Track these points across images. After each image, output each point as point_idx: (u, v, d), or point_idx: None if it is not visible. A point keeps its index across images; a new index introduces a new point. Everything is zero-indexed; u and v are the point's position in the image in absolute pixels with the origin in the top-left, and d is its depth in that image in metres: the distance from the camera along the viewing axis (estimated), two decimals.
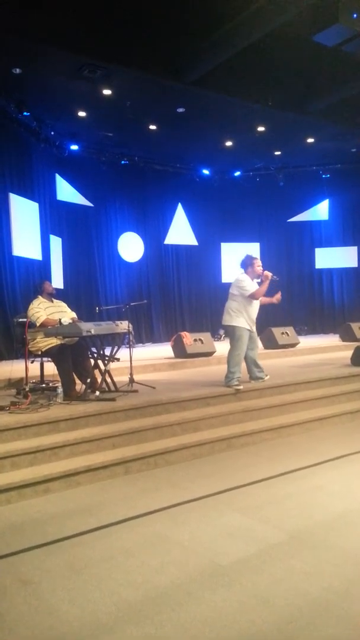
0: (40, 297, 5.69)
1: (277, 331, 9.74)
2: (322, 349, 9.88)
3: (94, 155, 11.17)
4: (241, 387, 5.67)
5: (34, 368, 5.52)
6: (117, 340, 5.81)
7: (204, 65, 7.67)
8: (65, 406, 4.81)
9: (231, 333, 5.81)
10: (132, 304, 6.87)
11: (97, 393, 5.19)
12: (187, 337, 8.54)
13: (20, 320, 5.52)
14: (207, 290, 13.31)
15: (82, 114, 9.28)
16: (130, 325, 5.74)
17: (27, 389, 5.04)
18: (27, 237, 9.18)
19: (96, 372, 5.46)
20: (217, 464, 4.48)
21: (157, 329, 12.35)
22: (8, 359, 7.45)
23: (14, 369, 5.83)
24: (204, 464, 4.50)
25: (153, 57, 7.55)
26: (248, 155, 11.99)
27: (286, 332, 9.91)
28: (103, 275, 11.54)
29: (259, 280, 5.88)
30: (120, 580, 2.61)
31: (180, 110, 9.21)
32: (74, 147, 10.68)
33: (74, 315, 5.79)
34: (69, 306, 5.98)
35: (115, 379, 5.61)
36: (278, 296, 6.01)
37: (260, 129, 10.29)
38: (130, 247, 12.12)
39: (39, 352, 5.42)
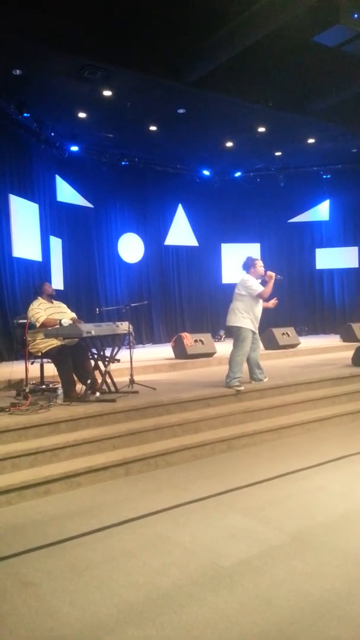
0: (40, 298, 5.69)
1: (277, 332, 9.74)
2: (322, 350, 9.87)
3: (94, 156, 11.17)
4: (242, 388, 5.67)
5: (34, 369, 5.52)
6: (117, 341, 5.80)
7: (204, 66, 7.67)
8: (66, 407, 4.81)
9: (236, 334, 5.82)
10: (132, 304, 6.87)
11: (98, 394, 5.19)
12: (188, 338, 8.54)
13: (20, 321, 5.52)
14: (208, 291, 13.30)
15: (82, 115, 9.28)
16: (130, 326, 5.73)
17: (27, 390, 5.03)
18: (27, 238, 9.17)
19: (96, 373, 5.46)
20: (218, 465, 4.47)
21: (157, 330, 12.34)
22: (8, 360, 7.44)
23: (14, 370, 5.83)
24: (205, 464, 4.50)
25: (153, 58, 7.54)
26: (248, 155, 11.98)
27: (287, 333, 9.91)
28: (103, 276, 11.53)
29: (260, 281, 5.91)
30: (121, 581, 2.60)
31: (181, 111, 9.21)
32: (74, 148, 10.67)
33: (73, 315, 5.79)
34: (69, 307, 5.98)
35: (115, 380, 5.60)
36: (274, 301, 6.04)
37: (261, 129, 10.29)
38: (131, 248, 12.11)
39: (39, 354, 5.41)
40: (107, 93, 8.35)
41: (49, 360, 5.45)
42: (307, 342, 10.91)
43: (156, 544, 2.99)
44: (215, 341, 9.56)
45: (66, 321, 5.32)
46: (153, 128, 10.05)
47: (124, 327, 5.63)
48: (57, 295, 6.31)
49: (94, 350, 5.53)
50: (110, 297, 11.48)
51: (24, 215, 9.15)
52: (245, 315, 5.76)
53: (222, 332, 12.05)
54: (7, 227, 8.61)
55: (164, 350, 9.59)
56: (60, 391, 5.15)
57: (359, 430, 5.56)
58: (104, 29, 6.91)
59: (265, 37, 6.88)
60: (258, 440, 5.10)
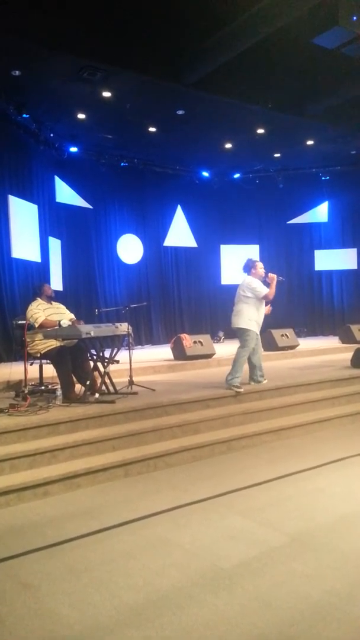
0: (39, 299, 5.69)
1: (276, 333, 9.74)
2: (321, 351, 9.88)
3: (94, 157, 11.17)
4: (242, 389, 5.67)
5: (33, 370, 5.50)
6: (116, 342, 5.79)
7: (204, 68, 7.68)
8: (65, 408, 4.80)
9: (242, 336, 5.85)
10: (131, 306, 6.86)
11: (97, 395, 5.18)
12: (187, 339, 8.53)
13: (19, 322, 5.51)
14: (207, 292, 13.30)
15: (81, 116, 9.29)
16: (129, 327, 5.73)
17: (26, 391, 5.02)
18: (26, 239, 9.16)
19: (95, 374, 5.45)
20: (217, 466, 4.47)
21: (156, 331, 12.34)
22: (7, 361, 7.44)
23: (13, 371, 5.82)
24: (205, 466, 4.49)
25: (153, 59, 7.55)
26: (247, 157, 12.00)
27: (286, 334, 9.91)
28: (102, 277, 11.53)
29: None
30: (120, 583, 2.59)
31: (180, 112, 9.22)
32: (74, 149, 10.68)
33: (72, 316, 5.78)
34: (68, 308, 5.98)
35: (114, 381, 5.59)
36: (269, 308, 6.12)
37: (260, 131, 10.30)
38: (130, 249, 12.11)
39: (38, 354, 5.40)
40: (106, 94, 8.36)
41: (48, 361, 5.44)
42: (306, 343, 10.91)
43: (156, 546, 2.99)
44: (214, 342, 9.56)
45: (65, 322, 5.32)
46: (152, 129, 10.06)
47: (123, 328, 5.62)
48: (56, 296, 6.31)
49: (93, 351, 5.52)
50: (109, 298, 11.48)
51: (23, 216, 9.15)
52: (252, 317, 5.83)
53: (221, 334, 12.04)
54: (6, 228, 8.61)
55: (163, 352, 9.59)
56: (59, 392, 5.14)
57: (358, 432, 5.55)
58: (103, 29, 6.92)
59: (265, 38, 6.91)
60: (258, 441, 5.09)
